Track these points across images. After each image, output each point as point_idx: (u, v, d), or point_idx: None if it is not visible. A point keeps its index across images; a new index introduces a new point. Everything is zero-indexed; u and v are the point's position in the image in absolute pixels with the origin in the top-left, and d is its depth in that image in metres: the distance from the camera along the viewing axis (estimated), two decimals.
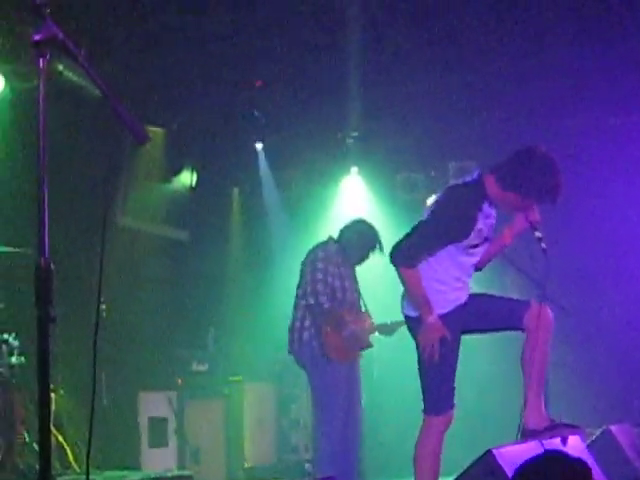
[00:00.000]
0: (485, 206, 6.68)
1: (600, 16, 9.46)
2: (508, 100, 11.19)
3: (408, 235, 6.82)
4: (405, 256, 6.68)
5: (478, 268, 6.97)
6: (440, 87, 11.07)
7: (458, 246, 6.67)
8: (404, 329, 7.16)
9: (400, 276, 6.74)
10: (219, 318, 12.82)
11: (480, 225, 6.63)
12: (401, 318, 7.13)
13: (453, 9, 9.46)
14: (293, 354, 8.70)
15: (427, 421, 6.82)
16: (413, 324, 6.83)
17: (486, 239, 6.80)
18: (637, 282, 11.45)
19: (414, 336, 6.79)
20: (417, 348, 6.76)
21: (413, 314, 6.80)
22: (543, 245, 6.77)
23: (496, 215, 6.85)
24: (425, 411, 6.81)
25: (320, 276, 8.47)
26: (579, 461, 4.06)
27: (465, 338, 6.89)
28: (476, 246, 6.73)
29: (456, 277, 6.81)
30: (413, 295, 6.77)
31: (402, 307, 6.96)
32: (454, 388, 6.80)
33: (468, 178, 6.87)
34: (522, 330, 6.76)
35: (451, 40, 10.03)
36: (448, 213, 6.72)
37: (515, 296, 7.33)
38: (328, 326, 8.38)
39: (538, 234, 6.80)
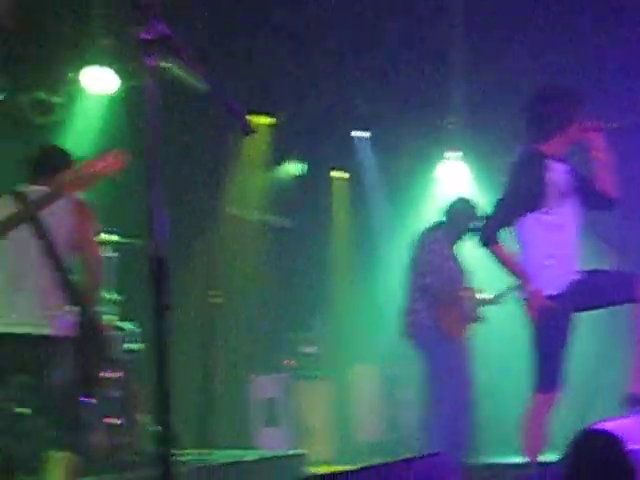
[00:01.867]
0: (551, 164, 6.58)
1: None
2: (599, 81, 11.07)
3: (488, 218, 6.85)
4: (485, 235, 6.66)
5: (607, 203, 6.92)
6: (534, 73, 11.02)
7: (543, 213, 6.59)
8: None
9: (491, 255, 6.70)
10: (326, 301, 12.88)
11: (555, 182, 6.53)
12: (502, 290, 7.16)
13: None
14: (410, 336, 8.68)
15: (534, 398, 6.77)
16: (521, 302, 6.72)
17: (571, 191, 6.67)
18: None
19: (526, 312, 6.66)
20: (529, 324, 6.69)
21: (519, 292, 6.74)
22: (615, 125, 6.67)
23: (570, 168, 6.74)
24: (534, 388, 6.82)
25: (430, 257, 8.50)
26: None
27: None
28: (562, 202, 6.62)
29: (559, 246, 6.63)
30: (508, 270, 6.70)
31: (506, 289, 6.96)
32: (562, 369, 6.62)
33: (523, 149, 6.83)
34: (633, 301, 6.55)
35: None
36: (516, 181, 6.65)
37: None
38: (442, 305, 8.39)
39: (608, 124, 6.67)
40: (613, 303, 6.81)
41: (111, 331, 8.24)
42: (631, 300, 6.59)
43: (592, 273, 6.77)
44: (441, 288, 8.40)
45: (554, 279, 6.61)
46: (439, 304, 8.37)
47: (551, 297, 6.53)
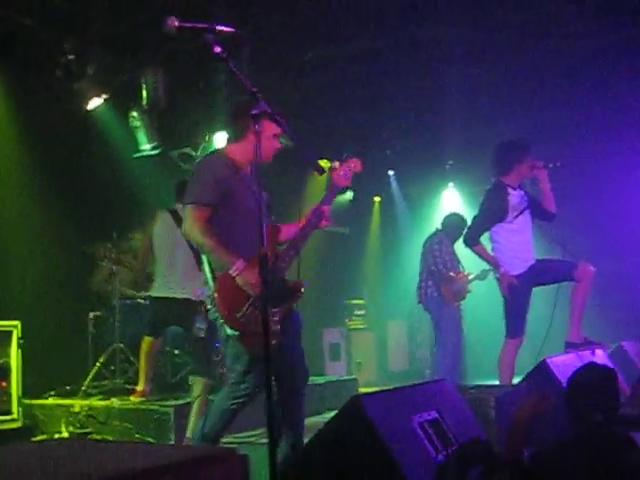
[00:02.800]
0: (509, 191, 6.63)
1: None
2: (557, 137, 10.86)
3: (470, 227, 6.96)
4: (469, 238, 6.77)
5: (549, 216, 6.86)
6: (507, 130, 10.86)
7: (508, 223, 6.63)
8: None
9: (474, 252, 6.83)
10: (369, 281, 12.88)
11: (512, 202, 6.58)
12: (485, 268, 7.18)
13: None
14: (422, 303, 8.57)
15: (506, 342, 6.78)
16: (498, 280, 6.80)
17: (524, 209, 6.69)
18: None
19: (499, 286, 6.75)
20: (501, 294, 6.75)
21: (496, 274, 6.79)
22: (558, 163, 6.71)
23: (525, 195, 6.73)
24: (506, 335, 6.78)
25: (437, 253, 8.43)
26: (608, 368, 3.93)
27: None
28: (517, 216, 6.63)
29: (521, 245, 6.69)
30: (486, 259, 6.81)
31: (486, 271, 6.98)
32: (524, 322, 6.73)
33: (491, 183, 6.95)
34: (573, 280, 6.60)
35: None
36: (487, 205, 6.73)
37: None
38: (443, 283, 8.33)
39: (551, 165, 6.70)
40: (558, 281, 6.80)
41: None
42: (570, 279, 6.61)
43: (543, 261, 6.76)
44: (442, 272, 8.33)
45: (517, 264, 6.63)
46: (441, 282, 8.32)
47: (515, 276, 6.59)
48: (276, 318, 4.20)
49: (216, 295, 4.14)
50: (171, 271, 6.71)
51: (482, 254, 6.78)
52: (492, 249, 6.81)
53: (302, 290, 4.39)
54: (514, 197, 6.66)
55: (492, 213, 6.67)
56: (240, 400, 4.35)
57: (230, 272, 4.11)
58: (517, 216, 6.63)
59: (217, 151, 4.54)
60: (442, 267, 8.38)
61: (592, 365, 3.90)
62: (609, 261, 10.86)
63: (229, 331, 4.13)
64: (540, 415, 3.74)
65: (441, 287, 8.35)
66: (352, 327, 11.74)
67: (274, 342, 4.10)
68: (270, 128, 4.34)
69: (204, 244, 4.21)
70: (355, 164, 4.82)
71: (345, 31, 7.94)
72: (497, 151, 6.79)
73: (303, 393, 4.47)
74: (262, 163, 4.49)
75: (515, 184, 6.70)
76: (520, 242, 6.69)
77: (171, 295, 6.67)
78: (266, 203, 4.50)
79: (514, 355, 6.75)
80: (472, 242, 6.76)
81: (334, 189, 4.76)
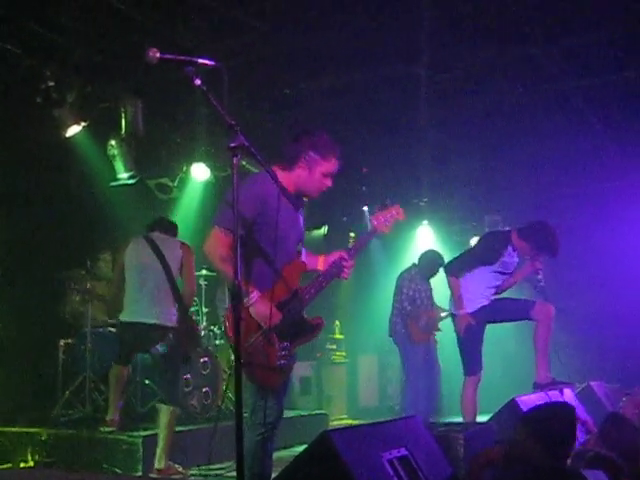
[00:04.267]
0: (509, 249, 6.73)
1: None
2: (525, 178, 10.99)
3: (457, 257, 7.00)
4: (453, 269, 6.94)
5: (497, 291, 6.93)
6: (479, 169, 10.96)
7: (490, 269, 6.70)
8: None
9: (448, 282, 6.96)
10: (342, 316, 12.84)
11: (505, 259, 6.69)
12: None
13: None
14: (392, 336, 8.61)
15: (465, 380, 6.85)
16: (454, 318, 6.93)
17: (508, 272, 6.82)
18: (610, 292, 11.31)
19: (455, 325, 6.88)
20: (456, 332, 6.89)
21: (455, 312, 6.88)
22: (542, 284, 6.83)
23: (517, 261, 6.86)
24: (464, 373, 6.82)
25: (405, 290, 8.46)
26: (564, 403, 3.96)
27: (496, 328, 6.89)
28: (502, 274, 6.76)
29: (481, 290, 6.82)
30: (453, 295, 6.90)
31: (450, 307, 7.02)
32: (480, 358, 6.85)
33: (501, 229, 7.06)
34: (531, 320, 6.71)
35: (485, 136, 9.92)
36: (485, 244, 6.86)
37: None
38: (409, 319, 8.35)
39: (539, 276, 6.82)
40: (514, 319, 7.07)
41: (199, 328, 8.26)
42: (526, 318, 6.76)
43: (498, 300, 6.93)
44: (406, 309, 8.36)
45: (472, 304, 6.79)
46: (408, 319, 8.36)
47: (470, 312, 6.75)
48: (285, 353, 4.09)
49: (226, 322, 4.05)
50: (140, 295, 6.63)
51: (454, 288, 6.87)
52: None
53: (321, 327, 4.27)
54: (511, 257, 6.83)
55: (485, 255, 6.78)
56: (263, 430, 4.12)
57: (245, 302, 4.02)
58: (502, 273, 6.78)
59: (266, 171, 4.24)
60: (407, 304, 8.44)
61: (554, 403, 3.92)
62: (575, 299, 10.99)
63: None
64: (492, 462, 3.74)
65: (407, 324, 8.41)
66: (322, 361, 11.68)
67: (282, 378, 4.11)
68: (322, 165, 4.27)
69: (220, 270, 4.10)
70: (397, 212, 4.67)
71: (322, 67, 7.99)
72: (538, 226, 6.80)
73: (276, 428, 4.37)
74: (306, 197, 4.47)
75: (516, 245, 6.82)
76: (482, 289, 6.84)
77: (139, 320, 6.57)
78: (302, 237, 4.45)
79: (474, 392, 6.85)
80: (452, 273, 6.88)
81: (371, 234, 4.67)
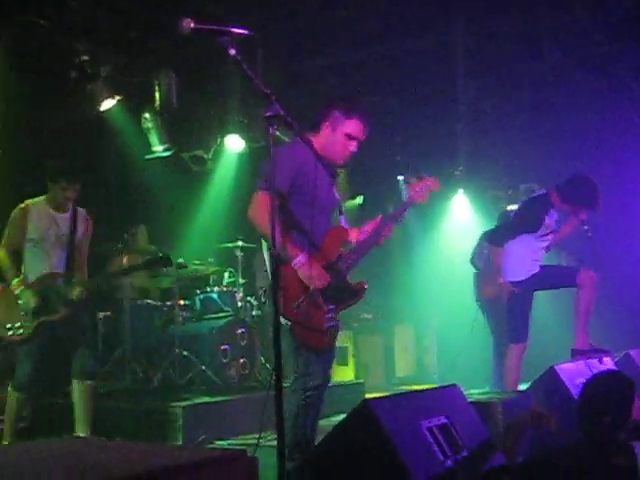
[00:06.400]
0: (551, 210, 6.65)
1: None
2: (561, 147, 10.86)
3: (498, 226, 7.00)
4: (496, 237, 6.87)
5: (548, 250, 6.90)
6: (515, 138, 10.85)
7: (534, 235, 6.66)
8: None
9: (491, 251, 7.04)
10: (378, 286, 12.79)
11: (547, 221, 6.62)
12: None
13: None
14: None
15: (510, 348, 6.81)
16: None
17: (552, 232, 6.74)
18: None
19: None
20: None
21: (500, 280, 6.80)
22: (589, 234, 6.72)
23: (557, 217, 6.81)
24: (510, 341, 6.79)
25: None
26: (623, 376, 3.88)
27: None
28: (546, 235, 6.70)
29: (532, 256, 6.73)
30: (496, 263, 6.84)
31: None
32: (527, 327, 6.74)
33: (539, 193, 6.97)
34: (576, 286, 6.65)
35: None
36: (526, 212, 6.82)
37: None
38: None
39: (586, 227, 6.71)
40: (559, 286, 6.94)
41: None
42: (571, 285, 6.68)
43: (545, 267, 6.81)
44: None
45: (520, 271, 6.69)
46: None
47: (517, 282, 6.64)
48: (330, 315, 4.19)
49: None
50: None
51: (496, 256, 6.83)
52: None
53: (364, 291, 4.41)
54: (551, 217, 6.76)
55: (528, 222, 6.72)
56: (310, 393, 4.20)
57: (292, 264, 4.07)
58: (546, 235, 6.71)
59: (301, 139, 4.31)
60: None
61: (615, 372, 3.88)
62: (617, 267, 10.86)
63: (282, 321, 4.07)
64: (536, 426, 3.72)
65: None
66: (359, 330, 11.68)
67: (329, 341, 4.21)
68: (345, 125, 4.31)
69: (266, 235, 4.04)
70: (433, 183, 4.67)
71: (358, 37, 7.94)
72: (578, 181, 6.70)
73: (322, 395, 4.41)
74: (332, 164, 4.48)
75: (558, 207, 6.76)
76: (531, 255, 6.74)
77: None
78: (337, 203, 4.48)
79: (519, 361, 6.78)
80: (496, 242, 6.84)
81: (408, 204, 4.67)
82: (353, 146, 4.39)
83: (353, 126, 4.35)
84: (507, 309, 6.81)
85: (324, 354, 4.26)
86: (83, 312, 6.04)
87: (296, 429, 4.16)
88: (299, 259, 4.08)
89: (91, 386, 5.98)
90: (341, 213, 4.50)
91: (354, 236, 4.59)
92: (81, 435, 5.85)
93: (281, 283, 4.00)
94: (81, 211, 6.18)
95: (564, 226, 6.92)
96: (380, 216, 4.58)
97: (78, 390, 5.92)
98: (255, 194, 4.19)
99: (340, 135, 4.36)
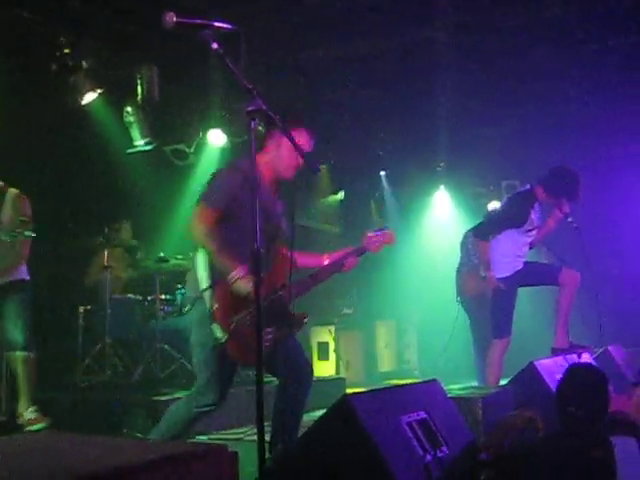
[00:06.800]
0: (535, 205, 6.67)
1: None
2: (542, 143, 10.90)
3: (484, 221, 7.01)
4: (482, 232, 6.84)
5: (531, 246, 6.93)
6: (496, 134, 10.89)
7: (519, 230, 6.69)
8: None
9: (477, 246, 6.98)
10: (359, 281, 12.83)
11: (532, 217, 6.64)
12: None
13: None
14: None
15: (493, 343, 6.86)
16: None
17: (536, 227, 6.78)
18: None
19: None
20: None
21: (484, 274, 6.85)
22: (575, 224, 6.76)
23: (540, 214, 6.85)
24: (493, 336, 6.83)
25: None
26: (597, 369, 3.94)
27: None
28: (530, 230, 6.73)
29: (517, 252, 6.78)
30: (482, 259, 6.87)
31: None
32: (511, 322, 6.78)
33: (523, 188, 6.99)
34: (557, 285, 6.72)
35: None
36: (512, 208, 6.84)
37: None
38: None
39: (570, 219, 6.75)
40: (542, 284, 7.02)
41: None
42: (554, 283, 6.76)
43: (529, 263, 6.86)
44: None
45: (505, 267, 6.73)
46: None
47: (502, 278, 6.68)
48: (269, 337, 4.09)
49: (215, 303, 4.05)
50: None
51: (483, 251, 6.83)
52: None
53: (304, 323, 4.40)
54: (536, 212, 6.79)
55: (514, 217, 6.74)
56: (205, 409, 4.26)
57: (229, 277, 4.01)
58: (530, 230, 6.74)
59: (235, 164, 4.29)
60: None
61: (589, 365, 3.91)
62: (601, 265, 10.92)
63: (219, 334, 4.05)
64: (524, 428, 3.75)
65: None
66: (340, 326, 11.70)
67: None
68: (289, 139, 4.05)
69: (206, 246, 4.10)
70: (389, 237, 4.97)
71: (338, 34, 7.94)
72: (560, 172, 6.75)
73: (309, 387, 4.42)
74: (281, 178, 4.45)
75: (542, 201, 6.81)
76: (516, 252, 6.77)
77: None
78: (281, 234, 4.45)
79: (501, 356, 6.81)
80: (483, 237, 6.83)
81: (361, 251, 4.86)
82: (299, 157, 4.20)
83: (298, 138, 4.14)
84: (491, 304, 6.84)
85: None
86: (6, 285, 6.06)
87: (167, 432, 4.22)
88: (237, 271, 4.00)
89: (24, 357, 5.99)
90: (291, 243, 4.19)
91: (322, 261, 4.73)
92: (21, 410, 5.98)
93: (220, 295, 4.06)
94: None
95: (548, 220, 6.94)
96: (348, 248, 4.80)
97: (11, 362, 6.01)
98: (198, 206, 4.19)
99: (285, 149, 4.32)
